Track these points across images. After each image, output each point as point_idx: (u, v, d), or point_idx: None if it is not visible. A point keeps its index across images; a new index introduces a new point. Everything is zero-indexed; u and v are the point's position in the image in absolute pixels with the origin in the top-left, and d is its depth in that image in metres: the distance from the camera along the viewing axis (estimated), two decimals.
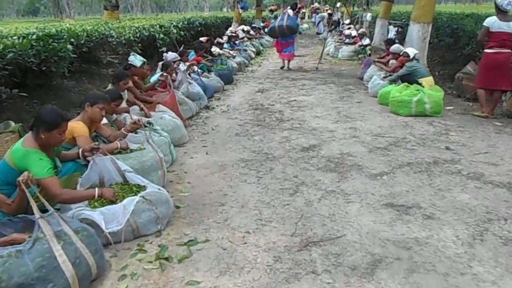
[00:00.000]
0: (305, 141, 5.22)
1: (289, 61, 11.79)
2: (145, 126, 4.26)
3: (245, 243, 2.87)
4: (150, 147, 3.74)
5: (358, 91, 8.36)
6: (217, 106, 7.33)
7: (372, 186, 3.81)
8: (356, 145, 5.02)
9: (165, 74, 6.15)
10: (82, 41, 8.07)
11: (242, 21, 20.27)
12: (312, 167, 4.32)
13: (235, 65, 11.02)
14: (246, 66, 12.49)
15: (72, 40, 7.54)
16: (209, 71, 9.03)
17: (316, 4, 31.45)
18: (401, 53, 7.64)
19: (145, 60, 5.85)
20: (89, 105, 3.64)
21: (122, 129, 3.90)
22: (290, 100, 7.61)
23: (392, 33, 11.74)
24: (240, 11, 19.31)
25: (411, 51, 7.12)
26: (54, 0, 45.99)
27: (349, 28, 15.94)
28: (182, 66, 8.06)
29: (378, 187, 3.78)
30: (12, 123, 4.45)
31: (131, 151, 3.71)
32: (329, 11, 25.87)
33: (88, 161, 3.28)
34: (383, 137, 5.29)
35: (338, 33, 18.51)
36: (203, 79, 8.35)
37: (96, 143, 3.29)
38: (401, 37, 11.21)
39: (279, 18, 11.40)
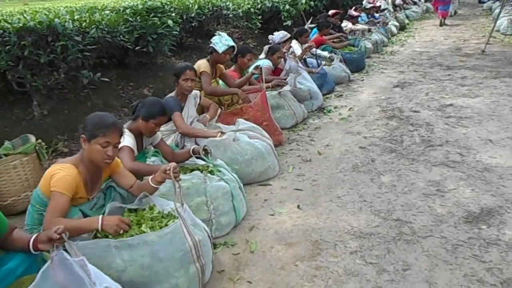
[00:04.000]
0: (472, 196, 3.03)
1: (444, 18, 13.33)
2: (204, 155, 2.71)
3: None
4: (180, 223, 2.04)
5: None
6: (335, 108, 5.35)
7: None
8: None
9: (259, 65, 4.38)
10: (193, 14, 7.08)
11: None
12: (489, 275, 2.21)
13: (369, 45, 8.73)
14: (385, 45, 10.05)
15: (177, 14, 6.50)
16: (332, 59, 6.99)
17: None
18: None
19: (233, 44, 4.18)
20: (85, 139, 2.15)
21: (150, 178, 2.28)
22: (443, 104, 5.23)
23: None
24: None
25: None
26: None
27: None
28: (297, 48, 6.23)
29: None
30: (33, 139, 3.20)
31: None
32: None
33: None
34: None
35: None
36: (325, 67, 6.42)
37: (60, 227, 1.72)
38: None
39: None
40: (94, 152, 2.14)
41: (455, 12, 16.39)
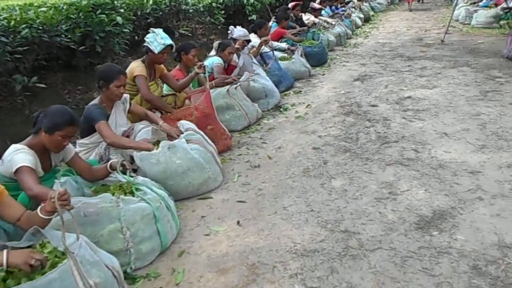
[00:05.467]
0: (425, 197, 2.84)
1: (411, 3, 15.68)
2: (121, 172, 2.43)
3: None
4: (70, 264, 1.68)
5: (508, 81, 5.41)
6: (292, 106, 5.12)
7: None
8: None
9: (202, 64, 4.06)
10: (148, 10, 6.69)
11: None
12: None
13: (332, 38, 8.56)
14: (349, 38, 9.90)
15: (129, 10, 6.10)
16: (291, 50, 6.73)
17: None
18: None
19: (170, 42, 3.82)
20: None
21: (39, 209, 1.95)
22: (402, 97, 5.07)
23: None
24: None
25: None
26: None
27: None
28: (257, 41, 5.95)
29: None
30: None
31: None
32: None
33: None
34: None
35: None
36: (282, 62, 6.17)
37: None
38: None
39: None
40: None
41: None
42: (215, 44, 5.08)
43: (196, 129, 3.42)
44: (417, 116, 4.38)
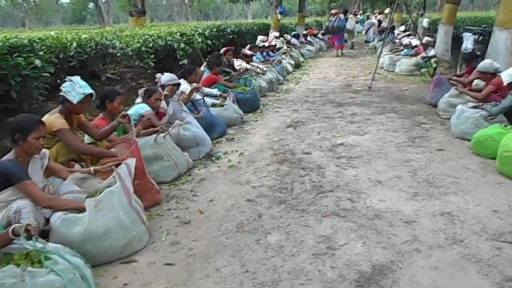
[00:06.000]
0: (363, 251, 2.73)
1: (341, 49, 16.35)
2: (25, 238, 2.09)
3: None
4: None
5: (433, 127, 5.69)
6: (225, 154, 4.92)
7: None
8: (468, 272, 2.48)
9: (125, 113, 3.84)
10: (71, 53, 6.35)
11: (282, 29, 17.94)
12: None
13: (263, 84, 8.63)
14: (280, 83, 10.08)
15: (50, 53, 5.75)
16: (223, 96, 6.63)
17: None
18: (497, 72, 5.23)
19: (90, 91, 3.58)
20: None
21: None
22: (335, 144, 5.09)
23: (469, 43, 9.07)
24: (279, 16, 17.02)
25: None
26: (97, 8, 45.82)
27: (408, 35, 13.19)
28: (187, 87, 5.79)
29: None
30: None
31: None
32: (379, 18, 23.56)
33: None
34: None
35: (391, 42, 15.43)
36: (214, 109, 6.04)
37: None
38: (483, 48, 8.71)
39: (333, 19, 15.55)
40: None
41: (352, 46, 17.99)
42: (141, 91, 4.85)
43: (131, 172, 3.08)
44: (350, 164, 4.38)
